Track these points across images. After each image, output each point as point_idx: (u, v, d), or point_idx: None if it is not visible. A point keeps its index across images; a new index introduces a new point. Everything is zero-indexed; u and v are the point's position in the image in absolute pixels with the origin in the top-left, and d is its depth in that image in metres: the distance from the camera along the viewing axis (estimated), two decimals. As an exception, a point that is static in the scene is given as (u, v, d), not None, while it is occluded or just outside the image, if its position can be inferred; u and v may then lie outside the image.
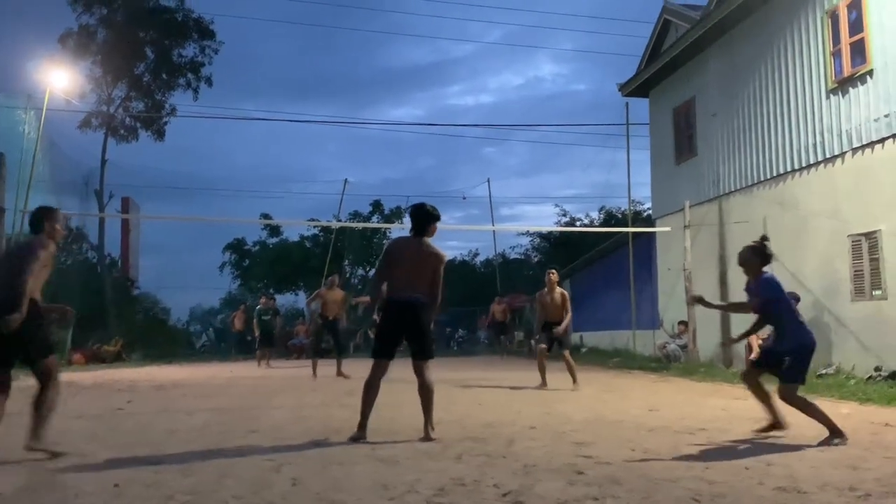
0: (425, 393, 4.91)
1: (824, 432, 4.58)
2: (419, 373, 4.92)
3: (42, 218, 5.83)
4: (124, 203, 24.08)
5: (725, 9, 11.95)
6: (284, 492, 3.30)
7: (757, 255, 4.99)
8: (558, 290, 9.27)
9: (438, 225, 5.15)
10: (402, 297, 4.88)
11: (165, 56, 25.06)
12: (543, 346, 9.28)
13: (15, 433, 5.31)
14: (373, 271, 30.12)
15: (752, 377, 5.05)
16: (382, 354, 4.93)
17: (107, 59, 23.91)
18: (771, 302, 4.87)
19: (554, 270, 9.54)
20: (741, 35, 12.25)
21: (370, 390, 4.88)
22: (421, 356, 4.92)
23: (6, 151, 10.58)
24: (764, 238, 5.08)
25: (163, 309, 26.96)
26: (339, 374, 10.89)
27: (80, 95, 22.64)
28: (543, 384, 8.97)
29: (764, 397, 4.92)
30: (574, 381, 8.82)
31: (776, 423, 4.86)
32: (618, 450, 4.38)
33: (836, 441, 4.51)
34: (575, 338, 12.64)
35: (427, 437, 4.79)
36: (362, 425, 4.81)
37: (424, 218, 5.06)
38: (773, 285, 4.91)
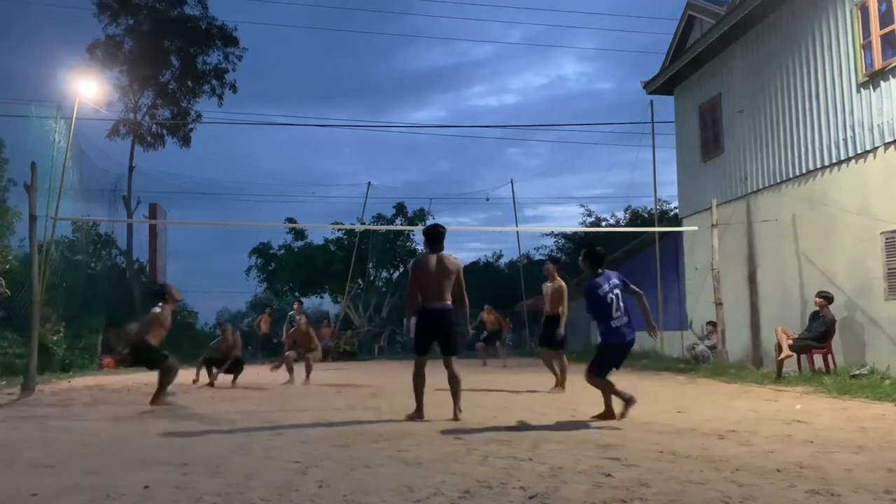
0: (454, 382, 5.99)
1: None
2: (447, 366, 6.01)
3: None
4: (152, 209, 24.44)
5: (751, 3, 11.77)
6: (311, 494, 3.31)
7: (587, 259, 5.97)
8: (557, 281, 8.92)
9: (461, 227, 5.80)
10: (432, 306, 5.95)
11: (190, 64, 25.37)
12: (542, 346, 9.19)
13: (45, 436, 5.41)
14: (396, 274, 31.63)
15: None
16: (420, 352, 6.06)
17: (133, 68, 24.30)
18: (591, 305, 5.84)
19: (549, 261, 9.46)
20: (768, 29, 12.07)
21: (418, 379, 6.04)
22: (448, 352, 6.01)
23: (37, 160, 10.78)
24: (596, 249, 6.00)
25: (190, 313, 27.22)
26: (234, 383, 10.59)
27: (107, 104, 23.04)
28: (558, 385, 8.80)
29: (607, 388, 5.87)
30: (557, 383, 8.72)
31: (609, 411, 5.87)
32: (645, 452, 4.33)
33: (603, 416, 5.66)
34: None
35: (455, 418, 5.84)
36: (418, 407, 5.98)
37: (438, 236, 6.15)
38: (588, 293, 5.84)
